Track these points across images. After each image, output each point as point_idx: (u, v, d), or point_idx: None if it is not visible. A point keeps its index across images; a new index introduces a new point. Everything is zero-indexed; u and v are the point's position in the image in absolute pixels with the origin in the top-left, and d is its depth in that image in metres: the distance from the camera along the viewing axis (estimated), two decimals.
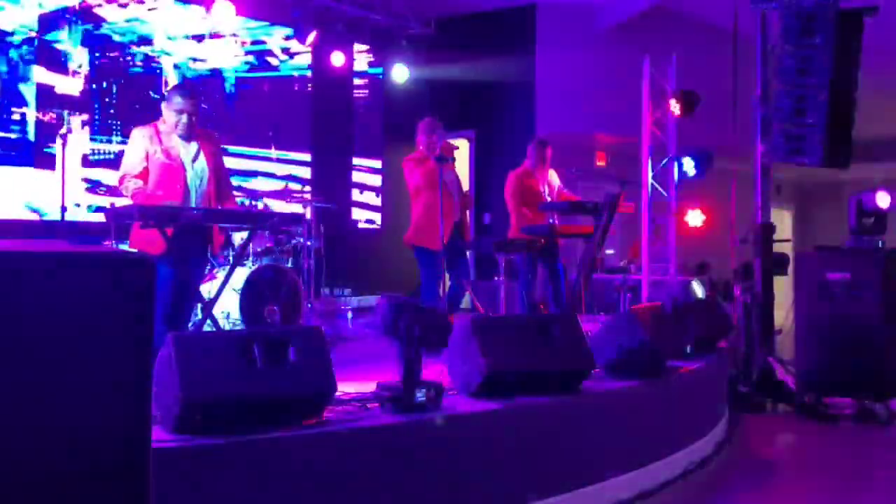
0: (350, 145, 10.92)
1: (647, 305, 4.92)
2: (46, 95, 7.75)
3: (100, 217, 7.56)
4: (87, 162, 7.97)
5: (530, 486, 3.53)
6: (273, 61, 9.90)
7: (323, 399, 3.07)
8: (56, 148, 7.54)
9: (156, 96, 8.48)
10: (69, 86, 7.92)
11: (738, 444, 5.34)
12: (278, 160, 9.91)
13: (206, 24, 8.90)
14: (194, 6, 8.88)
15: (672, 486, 4.27)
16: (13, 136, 7.53)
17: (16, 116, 7.55)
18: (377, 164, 11.19)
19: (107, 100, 8.19)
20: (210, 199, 4.49)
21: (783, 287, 6.73)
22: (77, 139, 7.92)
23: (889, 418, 5.78)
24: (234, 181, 9.07)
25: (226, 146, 8.59)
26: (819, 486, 4.52)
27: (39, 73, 7.71)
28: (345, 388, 3.48)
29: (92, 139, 8.04)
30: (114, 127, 8.20)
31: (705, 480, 4.49)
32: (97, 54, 8.14)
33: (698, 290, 5.15)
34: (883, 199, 6.25)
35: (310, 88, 10.36)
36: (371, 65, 11.14)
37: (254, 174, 9.59)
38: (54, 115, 7.66)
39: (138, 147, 4.33)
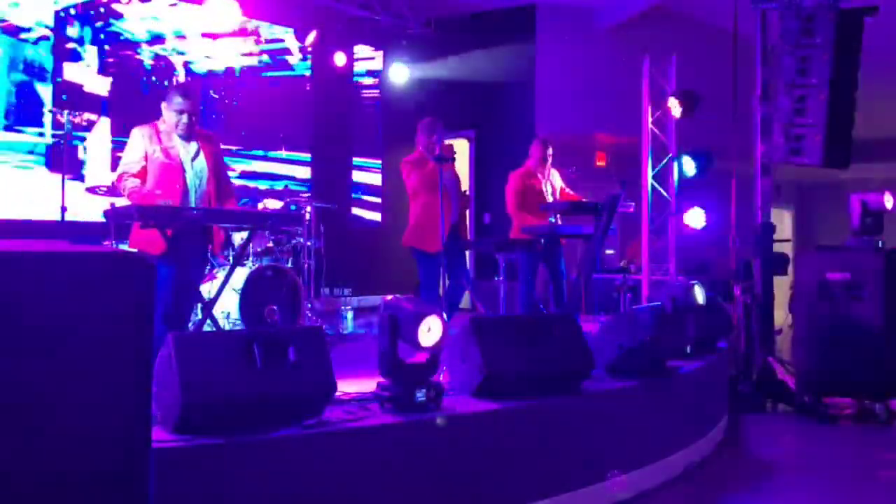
0: (350, 145, 10.92)
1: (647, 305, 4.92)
2: (63, 94, 7.74)
3: (100, 217, 7.55)
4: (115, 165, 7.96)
5: (530, 486, 3.53)
6: (288, 60, 9.90)
7: (323, 399, 3.07)
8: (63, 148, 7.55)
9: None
10: (88, 84, 7.91)
11: (738, 444, 5.34)
12: (278, 160, 9.91)
13: (218, 22, 8.89)
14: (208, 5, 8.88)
15: (672, 486, 4.27)
16: (28, 137, 7.52)
17: (32, 117, 7.55)
18: (377, 163, 11.19)
19: (119, 99, 8.18)
20: (210, 199, 4.49)
21: (783, 287, 6.73)
22: (100, 141, 7.90)
23: (889, 418, 5.78)
24: (238, 181, 9.08)
25: (227, 146, 8.60)
26: (819, 486, 4.52)
27: (56, 71, 7.69)
28: (345, 388, 3.48)
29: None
30: (125, 127, 8.19)
31: (705, 480, 4.49)
32: (109, 56, 8.12)
33: (699, 294, 5.14)
34: (889, 201, 6.24)
35: (309, 88, 10.36)
36: (371, 65, 11.14)
37: (253, 174, 9.59)
38: (64, 116, 7.66)
39: (137, 146, 4.33)
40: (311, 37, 9.41)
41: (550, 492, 3.59)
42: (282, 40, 9.79)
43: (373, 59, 11.14)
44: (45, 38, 7.65)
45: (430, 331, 3.33)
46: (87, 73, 7.87)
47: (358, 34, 10.55)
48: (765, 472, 4.85)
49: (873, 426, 5.75)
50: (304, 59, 10.10)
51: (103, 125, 7.93)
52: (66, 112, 7.09)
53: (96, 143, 7.87)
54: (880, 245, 6.18)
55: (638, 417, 4.18)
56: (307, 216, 7.46)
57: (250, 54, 9.48)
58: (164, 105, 4.44)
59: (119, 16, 8.20)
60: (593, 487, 3.79)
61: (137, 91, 8.34)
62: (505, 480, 3.44)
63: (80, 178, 7.77)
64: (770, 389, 6.28)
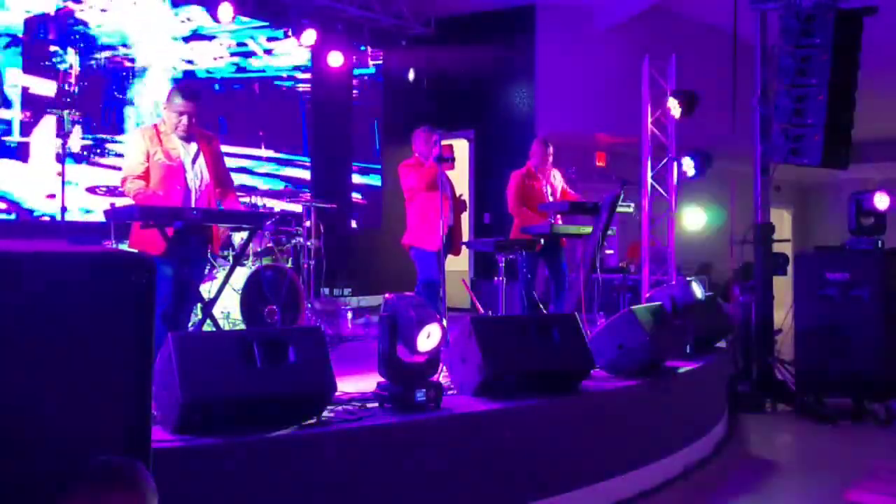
0: (349, 146, 10.92)
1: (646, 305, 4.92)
2: (31, 97, 7.75)
3: (100, 217, 7.56)
4: (59, 159, 7.94)
5: (530, 486, 3.53)
6: (261, 62, 9.89)
7: (323, 399, 3.08)
8: (32, 144, 7.54)
9: (133, 95, 8.47)
10: (54, 87, 7.91)
11: (738, 444, 5.34)
12: (278, 161, 9.92)
13: (193, 24, 8.91)
14: (182, 7, 8.88)
15: (672, 485, 4.28)
16: None
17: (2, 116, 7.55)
18: (377, 164, 11.20)
19: (92, 101, 8.17)
20: (210, 200, 4.49)
21: (783, 287, 6.74)
22: (46, 136, 7.91)
23: (888, 418, 5.78)
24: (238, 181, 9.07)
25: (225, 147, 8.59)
26: (819, 486, 4.52)
27: (26, 76, 7.69)
28: (345, 388, 3.48)
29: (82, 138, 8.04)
30: (100, 127, 8.19)
31: (705, 480, 4.49)
32: (82, 57, 8.11)
33: (698, 290, 5.15)
34: (881, 201, 6.25)
35: (309, 89, 10.36)
36: (371, 65, 11.14)
37: (253, 174, 9.60)
38: (64, 115, 7.67)
39: (139, 148, 4.33)
40: (311, 37, 9.40)
41: (550, 492, 3.59)
42: (246, 44, 9.75)
43: (372, 59, 11.14)
44: (16, 42, 7.64)
45: (430, 337, 3.34)
46: (47, 78, 7.86)
47: (357, 34, 10.55)
48: (765, 472, 4.85)
49: (873, 426, 5.75)
50: (271, 62, 10.06)
51: (47, 122, 7.91)
52: (66, 112, 7.09)
53: (49, 139, 7.88)
54: (879, 245, 6.19)
55: (638, 417, 4.18)
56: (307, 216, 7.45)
57: (222, 58, 9.46)
58: (163, 106, 4.44)
59: (88, 22, 8.18)
60: (593, 487, 3.79)
61: (111, 93, 8.33)
62: (505, 480, 3.44)
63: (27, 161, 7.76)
64: (770, 389, 6.28)
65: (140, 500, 1.78)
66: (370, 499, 3.02)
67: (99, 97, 8.22)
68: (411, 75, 10.71)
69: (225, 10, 8.34)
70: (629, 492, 4.00)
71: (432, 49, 10.86)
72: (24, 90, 7.72)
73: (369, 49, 11.02)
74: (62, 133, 7.20)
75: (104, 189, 7.98)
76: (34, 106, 7.74)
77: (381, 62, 11.21)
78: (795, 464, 5.19)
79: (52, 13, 7.90)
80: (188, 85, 8.02)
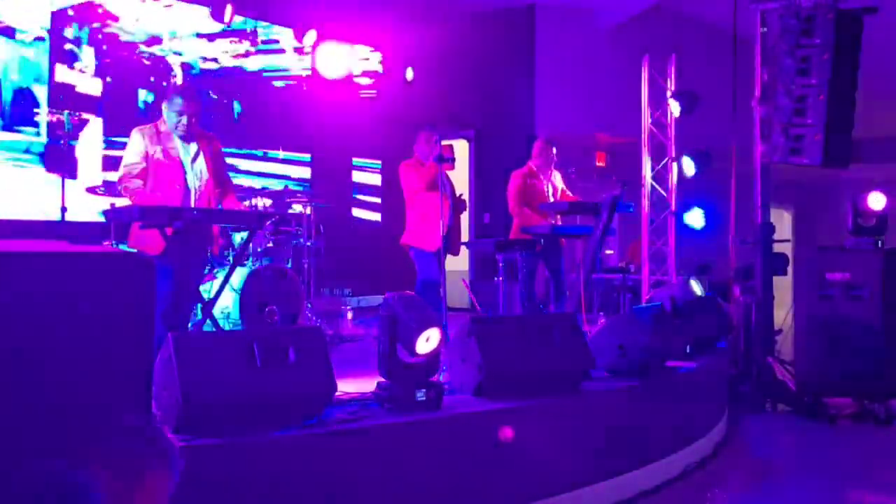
0: (350, 145, 10.92)
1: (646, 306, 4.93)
2: (58, 95, 7.74)
3: (100, 217, 7.56)
4: (107, 165, 7.92)
5: (530, 486, 3.53)
6: (279, 61, 9.91)
7: (323, 399, 3.08)
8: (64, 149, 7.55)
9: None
10: (80, 85, 7.91)
11: (738, 444, 5.34)
12: (278, 160, 9.91)
13: (216, 23, 8.93)
14: (204, 6, 8.89)
15: (671, 486, 4.28)
16: (25, 137, 7.52)
17: (29, 116, 7.54)
18: (377, 164, 11.20)
19: (117, 99, 8.17)
20: (209, 200, 4.49)
21: (783, 287, 6.74)
22: (92, 141, 7.89)
23: (888, 418, 5.78)
24: (238, 181, 9.07)
25: (227, 147, 8.61)
26: (819, 486, 4.52)
27: (51, 72, 7.69)
28: (345, 388, 3.48)
29: (105, 140, 8.03)
30: (124, 127, 8.19)
31: (705, 480, 4.49)
32: (106, 57, 8.12)
33: (697, 289, 5.15)
34: (875, 201, 6.26)
35: (309, 88, 10.36)
36: (370, 65, 11.14)
37: (253, 174, 9.60)
38: (64, 116, 7.66)
39: (138, 147, 4.33)
40: (311, 37, 9.40)
41: (551, 492, 3.59)
42: (276, 41, 9.78)
43: (372, 59, 11.14)
44: (41, 38, 7.64)
45: (429, 340, 3.34)
46: (78, 74, 7.85)
47: (357, 34, 10.55)
48: (765, 472, 4.85)
49: (873, 426, 5.75)
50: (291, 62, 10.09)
51: (94, 125, 7.91)
52: (66, 112, 7.07)
53: (87, 143, 7.85)
54: (879, 245, 6.19)
55: (638, 417, 4.18)
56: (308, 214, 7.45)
57: (247, 55, 9.48)
58: (164, 106, 4.44)
59: (115, 17, 8.18)
60: (593, 487, 3.79)
61: (133, 91, 8.32)
62: (505, 480, 3.44)
63: (75, 176, 7.73)
64: (770, 389, 6.28)
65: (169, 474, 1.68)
66: (370, 499, 3.02)
67: (120, 95, 8.23)
68: (410, 75, 10.70)
69: (226, 11, 8.35)
70: (629, 492, 4.00)
71: (433, 49, 10.85)
72: (68, 88, 7.72)
73: (369, 49, 11.02)
74: (65, 134, 7.18)
75: (103, 189, 7.98)
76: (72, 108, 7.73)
77: (380, 62, 11.21)
78: (795, 464, 5.19)
79: (83, 2, 7.90)
80: (189, 85, 8.02)
